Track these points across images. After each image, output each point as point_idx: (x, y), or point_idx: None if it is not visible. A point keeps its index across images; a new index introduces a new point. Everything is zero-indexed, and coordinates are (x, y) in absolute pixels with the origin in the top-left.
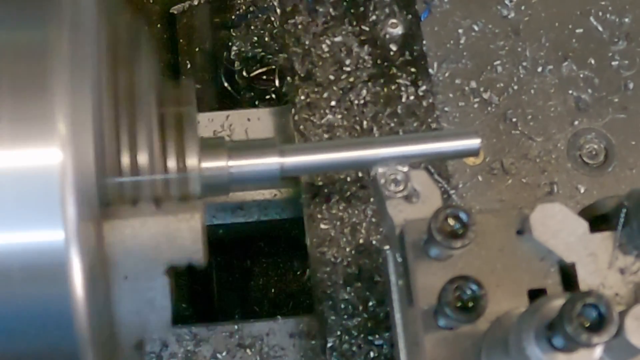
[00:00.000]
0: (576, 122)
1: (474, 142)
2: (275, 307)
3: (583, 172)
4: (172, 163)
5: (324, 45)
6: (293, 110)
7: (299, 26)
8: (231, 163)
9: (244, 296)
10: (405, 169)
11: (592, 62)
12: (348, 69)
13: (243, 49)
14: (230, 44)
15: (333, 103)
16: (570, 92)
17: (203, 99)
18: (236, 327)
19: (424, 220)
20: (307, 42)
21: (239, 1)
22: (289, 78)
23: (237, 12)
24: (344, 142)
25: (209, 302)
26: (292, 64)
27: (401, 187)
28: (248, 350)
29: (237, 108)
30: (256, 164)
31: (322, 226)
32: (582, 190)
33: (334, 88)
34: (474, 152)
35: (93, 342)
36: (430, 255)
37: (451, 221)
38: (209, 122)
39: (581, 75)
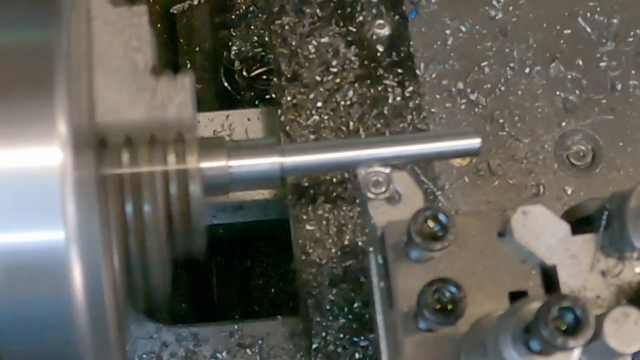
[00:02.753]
0: (564, 124)
1: (474, 142)
2: (275, 307)
3: (570, 173)
4: (172, 163)
5: (310, 46)
6: (279, 111)
7: (286, 27)
8: (231, 163)
9: (244, 296)
10: (388, 170)
11: (580, 63)
12: (335, 69)
13: (243, 49)
14: (230, 43)
15: (319, 104)
16: (557, 93)
17: (203, 99)
18: (236, 326)
19: (405, 222)
20: (293, 43)
21: (239, 1)
22: (275, 79)
23: (237, 12)
24: (344, 142)
25: (209, 301)
26: (279, 65)
27: (383, 189)
28: (248, 350)
29: (237, 108)
30: (256, 164)
31: (308, 227)
32: (569, 192)
33: (321, 89)
34: (474, 152)
35: (93, 342)
36: (410, 257)
37: (431, 223)
38: (209, 122)
39: (569, 76)
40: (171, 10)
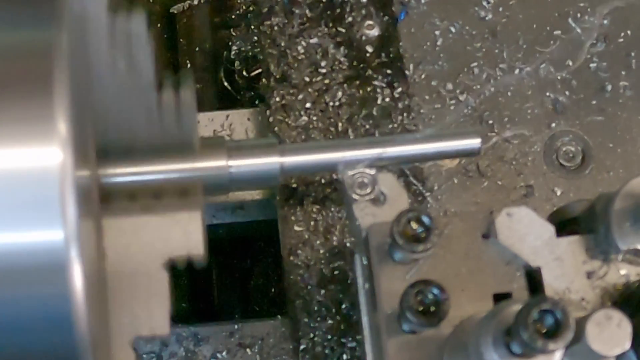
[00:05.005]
0: (553, 125)
1: (474, 142)
2: (275, 307)
3: (560, 174)
4: (172, 162)
5: (299, 47)
6: (268, 112)
7: (275, 27)
8: (231, 163)
9: (244, 296)
10: (373, 171)
11: (570, 64)
12: (323, 70)
13: (243, 49)
14: (230, 43)
15: (308, 105)
16: (547, 94)
17: (203, 98)
18: (236, 326)
19: (389, 223)
20: (282, 44)
21: (239, 1)
22: (264, 80)
23: (237, 12)
24: (345, 142)
25: (209, 301)
26: (268, 66)
27: (368, 190)
28: (248, 350)
29: (237, 108)
30: (256, 164)
31: (296, 228)
32: (558, 193)
33: (309, 90)
34: (474, 152)
35: (92, 342)
36: (394, 259)
37: (414, 225)
38: (209, 122)
39: (559, 77)
40: (171, 10)
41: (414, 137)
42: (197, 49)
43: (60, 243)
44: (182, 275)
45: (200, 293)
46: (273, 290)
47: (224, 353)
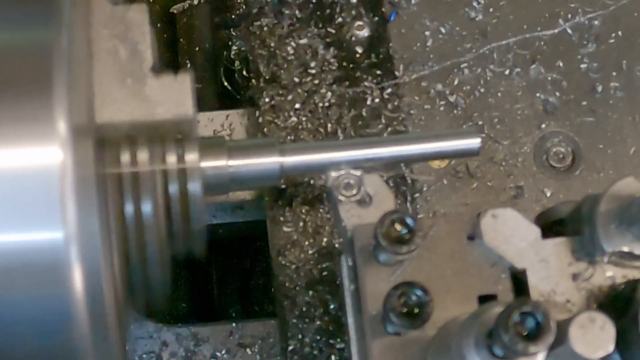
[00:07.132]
0: (543, 125)
1: (474, 142)
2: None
3: (550, 175)
4: (172, 162)
5: (289, 48)
6: (257, 113)
7: (265, 28)
8: (231, 162)
9: (243, 296)
10: (359, 172)
11: (561, 64)
12: (313, 71)
13: (243, 49)
14: (230, 43)
15: (297, 105)
16: (537, 95)
17: (203, 98)
18: (236, 326)
19: (374, 224)
20: (272, 45)
21: (239, 1)
22: (253, 80)
23: (237, 12)
24: (344, 142)
25: (209, 301)
26: (257, 66)
27: (354, 191)
28: (248, 350)
29: (237, 108)
30: (256, 164)
31: (285, 229)
32: (548, 194)
33: (299, 90)
34: (474, 152)
35: (93, 342)
36: (379, 260)
37: (398, 226)
38: (209, 122)
39: (549, 78)
40: (171, 10)
41: (414, 137)
42: (197, 48)
43: (61, 243)
44: (182, 275)
45: (200, 293)
46: (273, 289)
47: (223, 353)
